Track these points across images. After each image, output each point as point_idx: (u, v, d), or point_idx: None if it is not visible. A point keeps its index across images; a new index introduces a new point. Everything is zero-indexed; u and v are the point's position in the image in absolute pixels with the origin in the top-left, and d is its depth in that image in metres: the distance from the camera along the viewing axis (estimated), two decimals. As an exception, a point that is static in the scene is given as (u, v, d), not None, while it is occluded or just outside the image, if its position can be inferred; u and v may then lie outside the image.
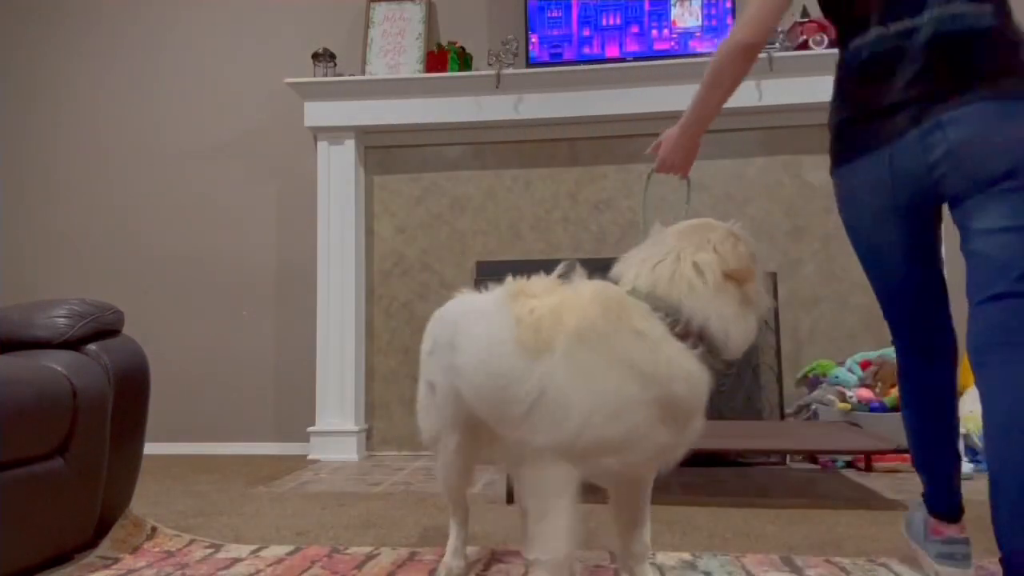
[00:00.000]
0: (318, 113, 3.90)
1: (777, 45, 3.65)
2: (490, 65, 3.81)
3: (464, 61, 3.87)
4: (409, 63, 3.92)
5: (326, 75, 3.89)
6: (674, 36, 3.75)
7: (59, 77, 4.33)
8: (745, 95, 3.66)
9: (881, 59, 1.46)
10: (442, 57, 3.84)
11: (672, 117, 3.39)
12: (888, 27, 1.46)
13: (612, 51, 3.78)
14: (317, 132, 3.95)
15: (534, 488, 1.40)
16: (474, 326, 1.54)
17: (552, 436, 1.34)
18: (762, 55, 3.65)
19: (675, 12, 3.73)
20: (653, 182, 1.96)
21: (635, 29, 3.76)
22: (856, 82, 1.52)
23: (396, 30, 3.98)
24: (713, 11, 3.73)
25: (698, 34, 3.73)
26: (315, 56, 3.90)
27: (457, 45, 3.87)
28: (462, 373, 1.54)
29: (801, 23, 3.65)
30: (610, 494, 1.58)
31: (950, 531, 1.66)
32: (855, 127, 1.53)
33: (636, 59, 3.73)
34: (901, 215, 1.52)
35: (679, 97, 3.67)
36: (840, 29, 1.59)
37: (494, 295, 1.56)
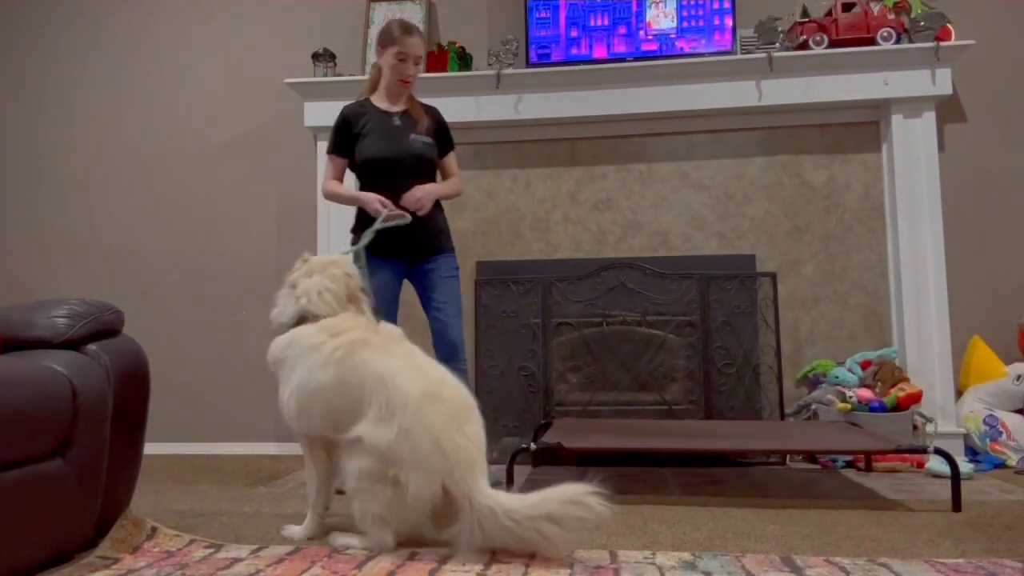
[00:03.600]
0: (318, 113, 3.89)
1: (777, 45, 3.65)
2: (490, 65, 3.81)
3: (464, 61, 3.88)
4: (409, 63, 3.91)
5: (326, 75, 3.89)
6: (654, 35, 3.74)
7: (59, 76, 4.33)
8: (745, 95, 3.66)
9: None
10: (442, 57, 3.84)
11: (672, 117, 3.42)
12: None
13: (600, 52, 3.78)
14: (317, 132, 3.95)
15: None
16: None
17: None
18: (762, 55, 3.68)
19: (651, 14, 3.73)
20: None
21: (623, 30, 3.76)
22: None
23: (396, 30, 3.97)
24: (701, 12, 3.72)
25: (692, 33, 3.73)
26: (315, 56, 3.90)
27: (457, 45, 3.87)
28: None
29: (801, 23, 3.65)
30: None
31: None
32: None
33: (636, 59, 3.73)
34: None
35: (680, 96, 3.70)
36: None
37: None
